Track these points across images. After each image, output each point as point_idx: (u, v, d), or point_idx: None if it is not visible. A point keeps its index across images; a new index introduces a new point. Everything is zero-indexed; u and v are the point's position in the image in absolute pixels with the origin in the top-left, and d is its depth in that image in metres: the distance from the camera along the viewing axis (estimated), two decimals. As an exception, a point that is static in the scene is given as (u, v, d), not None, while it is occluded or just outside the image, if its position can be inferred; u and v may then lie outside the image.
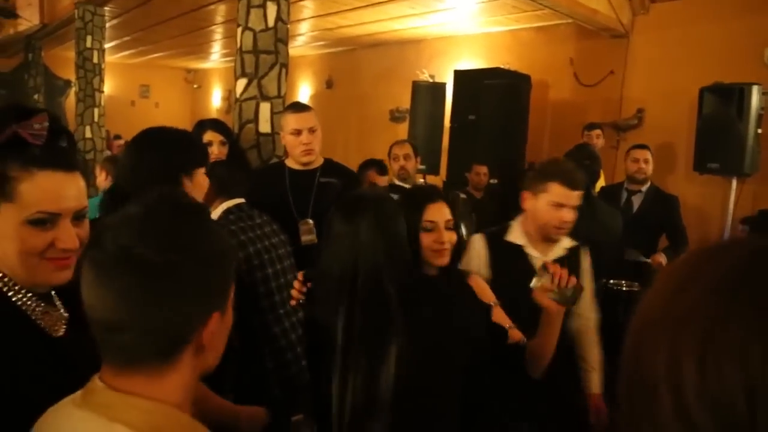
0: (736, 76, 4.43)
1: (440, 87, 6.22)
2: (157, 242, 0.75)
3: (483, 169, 4.87)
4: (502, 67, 5.81)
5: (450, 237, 1.63)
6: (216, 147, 2.68)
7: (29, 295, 1.01)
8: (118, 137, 8.57)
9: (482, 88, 5.50)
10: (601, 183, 4.78)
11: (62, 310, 1.08)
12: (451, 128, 5.80)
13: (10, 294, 0.99)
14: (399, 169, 3.83)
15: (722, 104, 4.32)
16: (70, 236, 1.01)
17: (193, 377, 0.81)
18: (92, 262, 0.76)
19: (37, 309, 1.02)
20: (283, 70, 3.33)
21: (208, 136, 2.70)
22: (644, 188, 3.96)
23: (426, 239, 1.62)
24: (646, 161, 3.92)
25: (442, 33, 7.03)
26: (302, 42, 8.21)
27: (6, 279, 0.99)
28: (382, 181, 3.55)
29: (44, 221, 0.99)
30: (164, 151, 1.69)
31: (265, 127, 3.22)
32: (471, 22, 6.40)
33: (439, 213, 1.65)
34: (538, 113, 5.89)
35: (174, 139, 1.77)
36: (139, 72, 12.24)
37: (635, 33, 5.56)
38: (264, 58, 3.24)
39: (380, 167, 3.64)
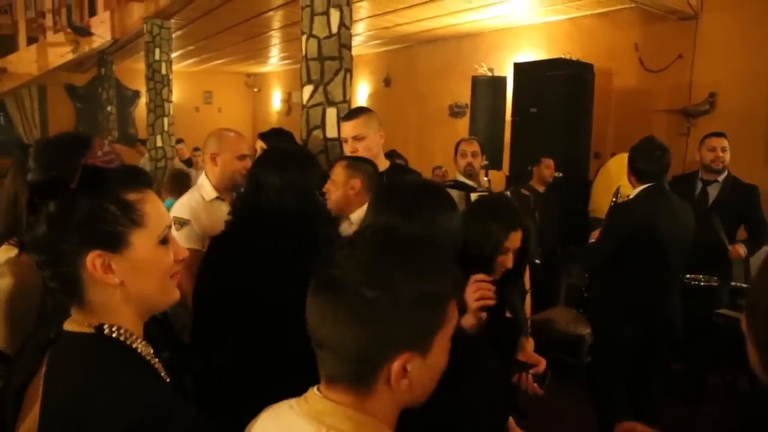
0: (817, 54, 4.20)
1: (500, 81, 6.15)
2: (366, 276, 0.80)
3: (551, 163, 4.79)
4: (563, 57, 5.69)
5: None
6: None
7: (143, 342, 0.99)
8: (180, 141, 8.89)
9: (543, 79, 5.41)
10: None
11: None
12: (513, 122, 5.74)
13: (135, 346, 0.96)
14: (466, 166, 3.85)
15: (803, 86, 4.10)
16: (180, 246, 1.05)
17: (392, 408, 0.85)
18: (315, 278, 0.85)
19: (153, 355, 1.01)
20: (348, 75, 3.40)
21: (258, 144, 2.83)
22: (721, 178, 3.81)
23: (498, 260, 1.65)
24: (723, 149, 3.77)
25: (500, 25, 6.95)
26: (359, 42, 8.28)
27: (122, 330, 0.95)
28: None
29: (167, 238, 1.01)
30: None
31: (332, 132, 3.30)
32: (529, 12, 6.29)
33: (517, 241, 1.68)
34: (602, 103, 5.74)
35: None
36: (202, 79, 12.67)
37: (705, 13, 5.33)
38: (329, 64, 3.31)
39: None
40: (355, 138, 2.61)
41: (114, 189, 0.95)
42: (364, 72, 9.57)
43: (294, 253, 1.67)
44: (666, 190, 2.94)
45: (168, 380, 1.00)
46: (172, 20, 6.98)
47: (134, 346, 0.95)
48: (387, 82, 9.19)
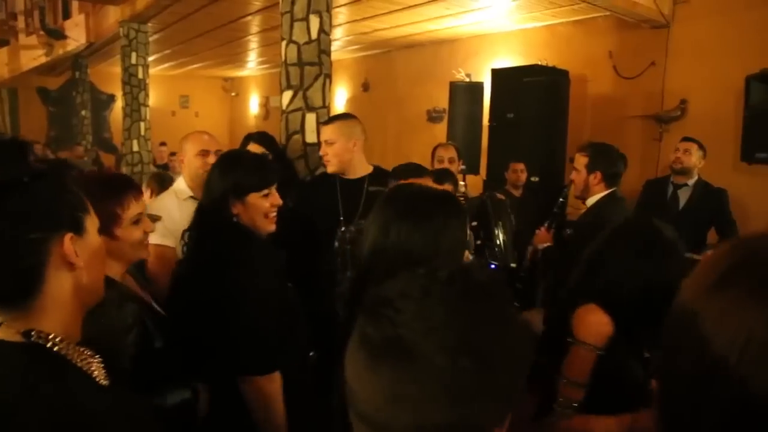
0: (783, 62, 4.33)
1: (478, 86, 6.23)
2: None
3: (520, 167, 4.86)
4: (539, 63, 5.78)
5: None
6: None
7: (76, 347, 0.97)
8: (163, 144, 8.82)
9: (520, 85, 5.49)
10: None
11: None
12: (490, 127, 5.81)
13: (66, 353, 0.94)
14: None
15: (770, 93, 4.24)
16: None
17: None
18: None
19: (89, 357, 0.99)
20: (327, 81, 3.42)
21: (251, 148, 2.83)
22: (691, 182, 3.92)
23: None
24: (686, 152, 3.89)
25: (478, 31, 7.03)
26: (338, 47, 8.30)
27: (51, 336, 0.92)
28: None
29: None
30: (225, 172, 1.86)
31: (311, 137, 3.31)
32: (506, 19, 6.38)
33: None
34: (578, 108, 5.84)
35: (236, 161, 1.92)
36: (178, 83, 12.57)
37: (676, 22, 5.45)
38: (308, 69, 3.32)
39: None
40: (326, 142, 2.71)
41: (65, 179, 0.99)
42: (343, 77, 9.58)
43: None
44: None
45: (106, 383, 0.98)
46: (149, 24, 6.93)
47: (65, 352, 0.93)
48: (366, 87, 9.22)
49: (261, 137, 2.99)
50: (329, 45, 3.44)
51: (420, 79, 8.01)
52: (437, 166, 3.92)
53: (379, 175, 2.81)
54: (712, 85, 5.11)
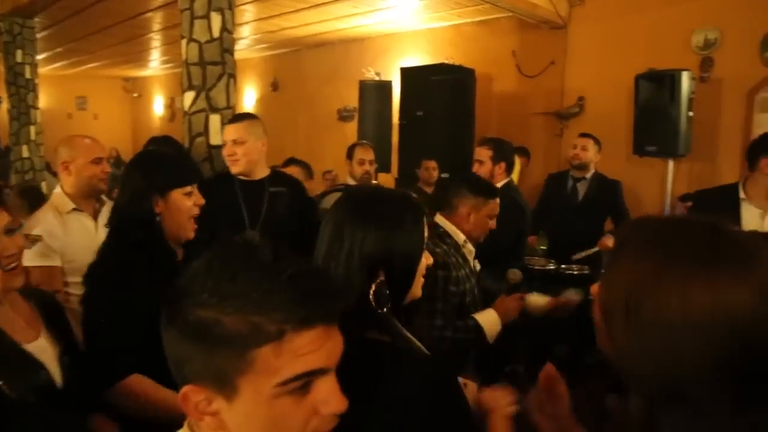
0: (668, 62, 4.64)
1: (387, 85, 6.27)
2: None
3: (432, 164, 4.93)
4: (446, 62, 5.90)
5: None
6: None
7: None
8: None
9: (428, 83, 5.57)
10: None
11: None
12: (400, 125, 5.87)
13: None
14: (364, 174, 3.89)
15: (656, 90, 4.53)
16: None
17: None
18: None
19: None
20: (231, 81, 3.32)
21: None
22: (588, 175, 4.13)
23: None
24: (583, 148, 4.10)
25: (386, 30, 7.08)
26: (245, 45, 8.12)
27: None
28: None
29: None
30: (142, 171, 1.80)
31: (216, 139, 3.21)
32: (414, 19, 6.47)
33: None
34: (484, 105, 6.02)
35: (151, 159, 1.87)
36: (74, 83, 11.84)
37: (573, 24, 5.74)
38: (211, 69, 3.22)
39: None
40: (235, 142, 2.62)
41: None
42: (251, 76, 9.38)
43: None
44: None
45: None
46: (36, 19, 6.45)
47: None
48: (275, 87, 9.07)
49: (163, 141, 2.87)
50: (233, 44, 3.34)
51: (330, 78, 7.97)
52: (358, 167, 3.92)
53: (277, 176, 2.77)
54: (606, 84, 5.41)
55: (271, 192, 2.69)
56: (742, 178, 2.78)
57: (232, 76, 3.33)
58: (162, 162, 1.84)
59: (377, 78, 6.65)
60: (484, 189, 2.47)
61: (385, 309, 1.13)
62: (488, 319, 2.26)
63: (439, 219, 2.42)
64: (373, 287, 1.13)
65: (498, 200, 2.47)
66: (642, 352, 0.76)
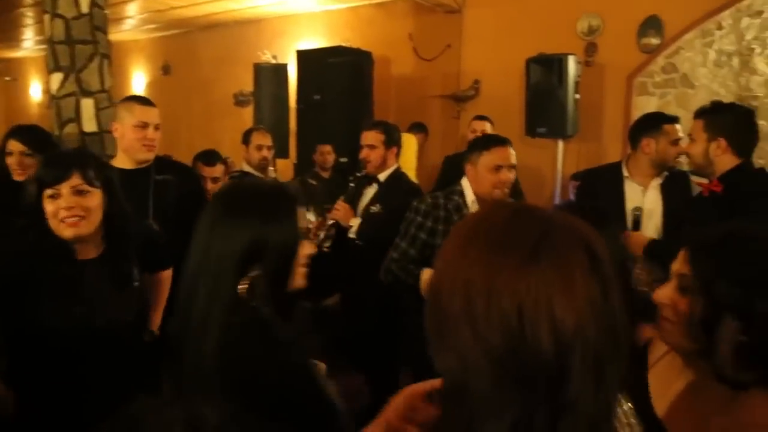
0: (556, 47, 4.80)
1: (283, 68, 6.10)
2: None
3: (327, 149, 4.84)
4: (343, 45, 5.80)
5: None
6: (15, 158, 2.43)
7: None
8: None
9: (325, 67, 5.46)
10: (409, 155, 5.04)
11: None
12: (298, 109, 5.72)
13: None
14: (261, 159, 3.77)
15: (545, 74, 4.68)
16: None
17: None
18: None
19: None
20: (105, 62, 3.06)
21: (10, 145, 2.44)
22: (484, 157, 4.20)
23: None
24: (482, 131, 4.15)
25: (282, 12, 6.86)
26: (131, 26, 7.61)
27: None
28: (213, 172, 3.34)
29: None
30: None
31: (89, 125, 2.94)
32: (310, 1, 6.30)
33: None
34: (382, 89, 5.98)
35: None
36: (-64, 65, 10.66)
37: (467, 8, 5.81)
38: (81, 48, 2.94)
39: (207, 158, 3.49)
40: (156, 126, 2.52)
41: None
42: (140, 59, 8.83)
43: None
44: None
45: None
46: None
47: None
48: (166, 70, 8.58)
49: (28, 131, 2.58)
50: (105, 21, 3.07)
51: (225, 62, 7.64)
52: (255, 153, 3.82)
53: (163, 163, 2.58)
54: (499, 67, 5.54)
55: (157, 180, 2.53)
56: (624, 157, 2.92)
57: (106, 56, 3.06)
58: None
59: (273, 61, 6.45)
60: (476, 142, 2.57)
61: (261, 302, 1.16)
62: (427, 277, 2.38)
63: (464, 179, 2.52)
64: (248, 281, 1.15)
65: (506, 149, 2.45)
66: (435, 343, 0.68)
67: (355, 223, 2.98)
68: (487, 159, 2.42)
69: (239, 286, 1.14)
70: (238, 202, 1.23)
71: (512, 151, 2.48)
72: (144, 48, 8.74)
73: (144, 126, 2.45)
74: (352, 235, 2.98)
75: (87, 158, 1.77)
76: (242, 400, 0.98)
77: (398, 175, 3.14)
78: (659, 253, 2.32)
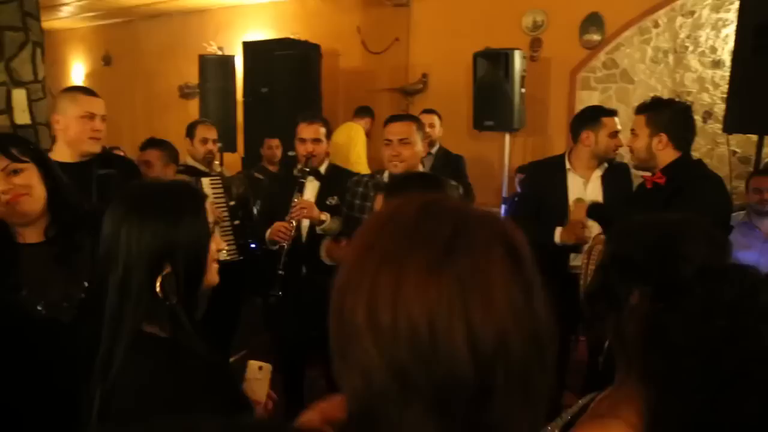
0: (502, 42, 4.87)
1: (229, 60, 5.98)
2: None
3: (275, 142, 4.79)
4: (291, 37, 5.73)
5: None
6: None
7: None
8: None
9: (273, 59, 5.39)
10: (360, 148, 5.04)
11: None
12: (245, 102, 5.63)
13: None
14: (207, 153, 3.67)
15: (492, 68, 4.75)
16: None
17: None
18: None
19: None
20: (38, 50, 2.92)
21: None
22: (433, 150, 4.23)
23: None
24: (431, 125, 4.18)
25: (228, 3, 6.74)
26: (69, 13, 7.31)
27: None
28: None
29: None
30: None
31: (22, 117, 2.81)
32: (255, -9, 6.21)
33: None
34: (331, 82, 5.95)
35: None
36: None
37: (415, 2, 5.83)
38: (10, 36, 2.80)
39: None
40: (103, 117, 2.45)
41: None
42: (79, 48, 8.50)
43: None
44: None
45: None
46: None
47: None
48: (107, 61, 8.29)
49: None
50: (37, 6, 2.93)
51: (169, 53, 7.44)
52: (201, 147, 3.71)
53: (106, 157, 2.49)
54: (447, 61, 5.58)
55: (100, 175, 2.43)
56: (567, 150, 2.99)
57: (39, 45, 2.93)
58: None
59: (220, 53, 6.31)
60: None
61: (174, 301, 1.15)
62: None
63: None
64: (159, 280, 1.14)
65: (395, 124, 2.58)
66: (338, 360, 0.59)
67: (326, 217, 2.91)
68: (383, 134, 2.59)
69: (156, 285, 1.14)
70: (143, 205, 1.21)
71: (404, 127, 2.59)
72: (83, 37, 8.42)
73: (91, 117, 2.36)
74: (322, 230, 2.90)
75: (5, 138, 1.70)
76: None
77: (335, 165, 3.18)
78: (600, 213, 2.42)
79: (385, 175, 2.62)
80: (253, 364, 1.34)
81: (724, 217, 2.33)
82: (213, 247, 1.25)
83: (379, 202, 1.71)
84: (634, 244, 0.99)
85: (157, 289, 1.13)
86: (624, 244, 1.01)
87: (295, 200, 2.89)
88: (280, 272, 2.82)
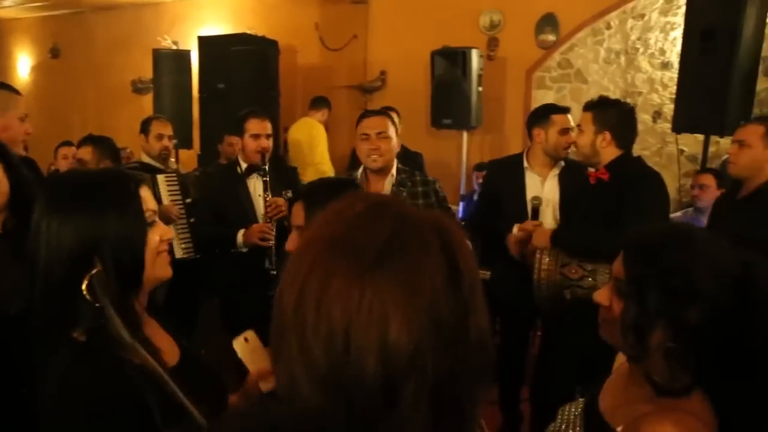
0: (460, 40, 4.92)
1: (185, 54, 5.85)
2: None
3: (235, 139, 4.69)
4: (248, 32, 5.65)
5: None
6: None
7: None
8: None
9: (229, 54, 5.30)
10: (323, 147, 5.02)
11: None
12: (201, 98, 5.52)
13: None
14: (162, 149, 3.59)
15: (450, 66, 4.79)
16: None
17: None
18: None
19: None
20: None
21: None
22: (392, 148, 4.24)
23: None
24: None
25: (183, -5, 6.60)
26: (13, 2, 7.02)
27: None
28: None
29: None
30: None
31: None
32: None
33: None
34: (288, 78, 5.90)
35: None
36: None
37: (373, -1, 5.83)
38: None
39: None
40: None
41: None
42: (25, 39, 8.18)
43: None
44: None
45: None
46: None
47: None
48: (55, 53, 8.00)
49: None
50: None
51: (122, 46, 7.23)
52: (155, 143, 3.63)
53: (28, 160, 2.40)
54: (405, 59, 5.60)
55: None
56: (525, 149, 3.04)
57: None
58: None
59: (174, 47, 6.18)
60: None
61: (106, 302, 1.02)
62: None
63: None
64: (86, 280, 1.02)
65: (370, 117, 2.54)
66: (273, 352, 0.60)
67: None
68: (359, 128, 2.52)
69: (83, 286, 1.02)
70: (63, 196, 1.10)
71: (380, 120, 2.53)
72: (29, 28, 8.10)
73: (24, 119, 2.28)
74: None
75: None
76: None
77: (274, 159, 3.15)
78: (563, 242, 2.45)
79: (359, 172, 2.56)
80: (239, 340, 1.25)
81: (666, 211, 2.43)
82: (155, 237, 1.13)
83: (297, 210, 1.55)
84: (659, 276, 1.01)
85: (84, 290, 1.01)
86: (644, 275, 1.02)
87: (267, 199, 2.87)
88: (273, 272, 2.78)
